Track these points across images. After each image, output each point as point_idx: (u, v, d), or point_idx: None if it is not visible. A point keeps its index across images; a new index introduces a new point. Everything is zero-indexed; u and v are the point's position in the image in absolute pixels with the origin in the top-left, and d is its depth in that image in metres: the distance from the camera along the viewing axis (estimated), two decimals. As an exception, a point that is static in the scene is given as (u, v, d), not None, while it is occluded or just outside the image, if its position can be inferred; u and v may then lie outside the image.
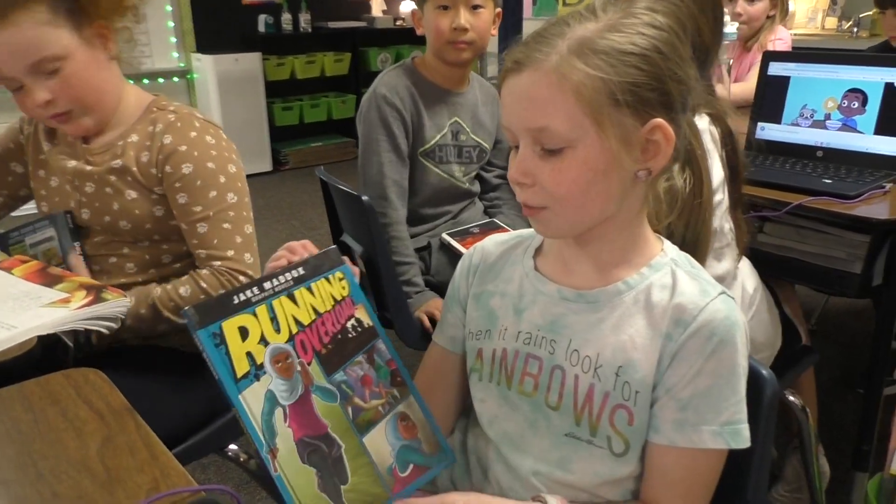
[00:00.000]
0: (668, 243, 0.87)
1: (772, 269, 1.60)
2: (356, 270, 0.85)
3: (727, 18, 1.92)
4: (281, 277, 0.77)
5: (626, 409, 0.80)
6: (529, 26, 5.21)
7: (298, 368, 0.75)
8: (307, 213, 4.29)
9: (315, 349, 0.77)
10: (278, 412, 0.72)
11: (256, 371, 0.72)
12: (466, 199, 1.95)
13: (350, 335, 0.79)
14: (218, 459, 2.02)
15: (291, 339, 0.75)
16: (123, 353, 1.30)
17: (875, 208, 1.49)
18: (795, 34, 4.11)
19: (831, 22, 4.43)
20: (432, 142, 1.82)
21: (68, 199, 1.31)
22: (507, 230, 1.84)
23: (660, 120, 0.76)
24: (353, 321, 0.80)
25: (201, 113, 1.34)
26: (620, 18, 0.77)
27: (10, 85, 1.19)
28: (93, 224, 1.30)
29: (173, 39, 4.93)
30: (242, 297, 0.73)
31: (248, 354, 0.72)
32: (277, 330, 0.75)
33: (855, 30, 4.24)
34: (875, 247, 1.48)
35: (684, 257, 0.86)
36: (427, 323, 1.71)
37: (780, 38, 2.58)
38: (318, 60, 5.34)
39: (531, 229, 0.94)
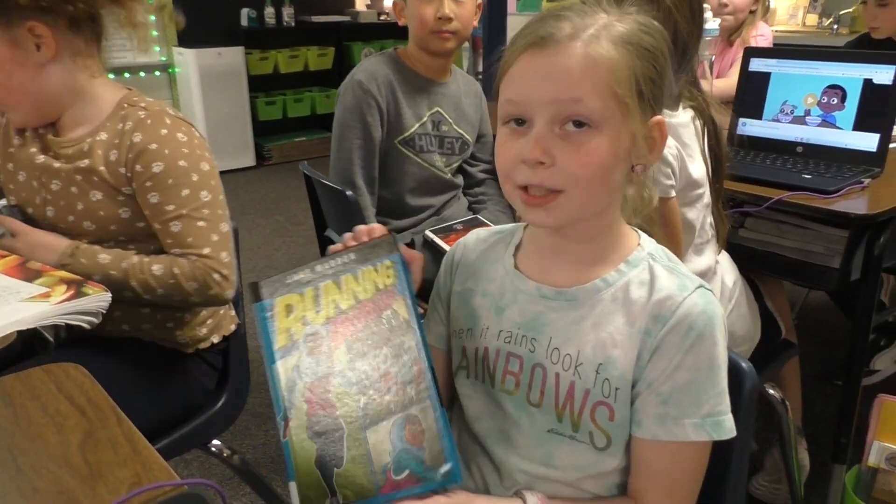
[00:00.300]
0: (644, 236, 0.87)
1: (753, 263, 1.62)
2: (416, 257, 0.83)
3: (709, 15, 1.94)
4: (332, 262, 0.80)
5: (606, 405, 0.81)
6: (514, 22, 5.22)
7: (326, 351, 0.78)
8: (291, 208, 4.28)
9: (346, 336, 0.78)
10: (299, 386, 0.77)
11: (291, 346, 0.78)
12: (450, 192, 1.96)
13: (383, 326, 0.78)
14: (201, 455, 2.02)
15: (328, 322, 0.78)
16: (104, 345, 1.29)
17: (853, 203, 1.51)
18: (777, 31, 4.14)
19: (812, 19, 4.47)
20: (411, 130, 1.82)
21: (34, 195, 1.30)
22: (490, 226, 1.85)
23: (661, 117, 0.79)
24: (389, 312, 0.79)
25: (173, 109, 1.32)
26: (625, 16, 0.78)
27: None
28: (57, 222, 1.29)
29: (154, 33, 4.88)
30: (296, 278, 0.79)
31: (288, 330, 0.78)
32: (318, 312, 0.79)
33: (835, 26, 4.28)
34: (853, 241, 1.49)
35: (661, 251, 0.86)
36: None
37: (761, 35, 2.60)
38: (302, 55, 5.33)
39: (513, 224, 0.94)
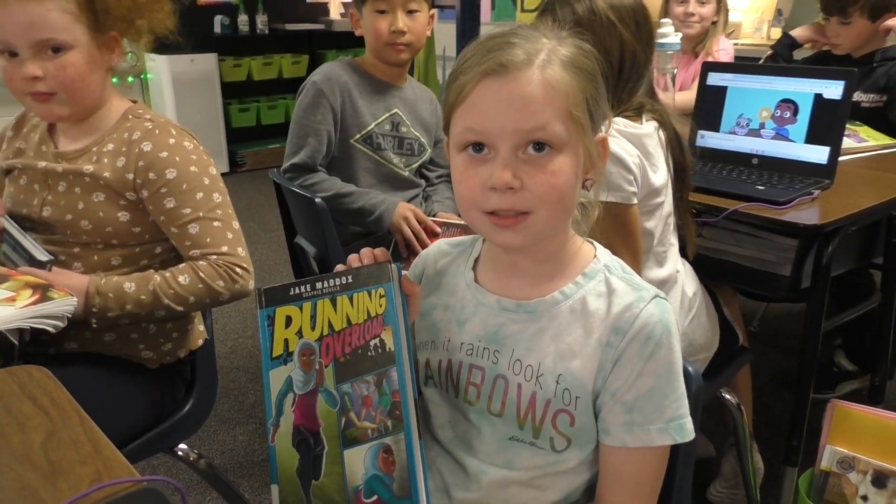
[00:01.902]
0: (600, 248, 0.90)
1: (709, 272, 1.67)
2: (416, 291, 0.84)
3: (670, 29, 1.99)
4: (331, 281, 0.81)
5: (567, 412, 0.84)
6: (488, 32, 5.24)
7: (316, 367, 0.80)
8: (264, 214, 4.27)
9: (335, 355, 0.80)
10: (289, 397, 0.80)
11: (286, 357, 0.81)
12: (410, 190, 2.01)
13: (370, 353, 0.80)
14: (169, 460, 2.02)
15: (320, 339, 0.81)
16: (67, 358, 1.30)
17: (804, 214, 1.56)
18: (743, 44, 4.22)
19: (776, 32, 4.54)
20: (368, 128, 1.90)
21: (33, 197, 1.33)
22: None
23: (604, 134, 0.84)
24: (376, 340, 0.80)
25: (176, 122, 1.38)
26: (563, 40, 0.81)
27: (5, 48, 1.22)
28: (53, 221, 1.31)
29: (126, 39, 4.85)
30: (296, 291, 0.82)
31: (285, 341, 0.81)
32: (313, 328, 0.81)
33: (799, 41, 4.37)
34: (803, 251, 1.55)
35: (617, 262, 0.89)
36: (407, 231, 1.79)
37: (723, 49, 2.66)
38: (276, 62, 5.32)
39: (472, 237, 0.97)
